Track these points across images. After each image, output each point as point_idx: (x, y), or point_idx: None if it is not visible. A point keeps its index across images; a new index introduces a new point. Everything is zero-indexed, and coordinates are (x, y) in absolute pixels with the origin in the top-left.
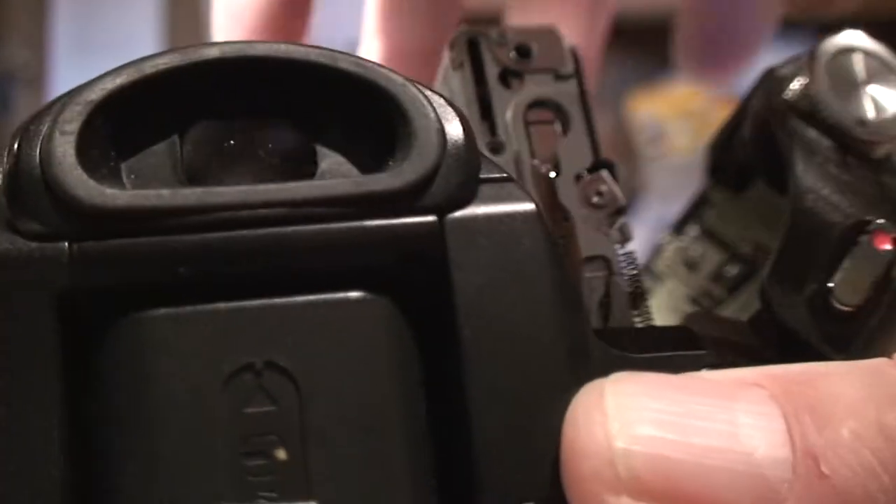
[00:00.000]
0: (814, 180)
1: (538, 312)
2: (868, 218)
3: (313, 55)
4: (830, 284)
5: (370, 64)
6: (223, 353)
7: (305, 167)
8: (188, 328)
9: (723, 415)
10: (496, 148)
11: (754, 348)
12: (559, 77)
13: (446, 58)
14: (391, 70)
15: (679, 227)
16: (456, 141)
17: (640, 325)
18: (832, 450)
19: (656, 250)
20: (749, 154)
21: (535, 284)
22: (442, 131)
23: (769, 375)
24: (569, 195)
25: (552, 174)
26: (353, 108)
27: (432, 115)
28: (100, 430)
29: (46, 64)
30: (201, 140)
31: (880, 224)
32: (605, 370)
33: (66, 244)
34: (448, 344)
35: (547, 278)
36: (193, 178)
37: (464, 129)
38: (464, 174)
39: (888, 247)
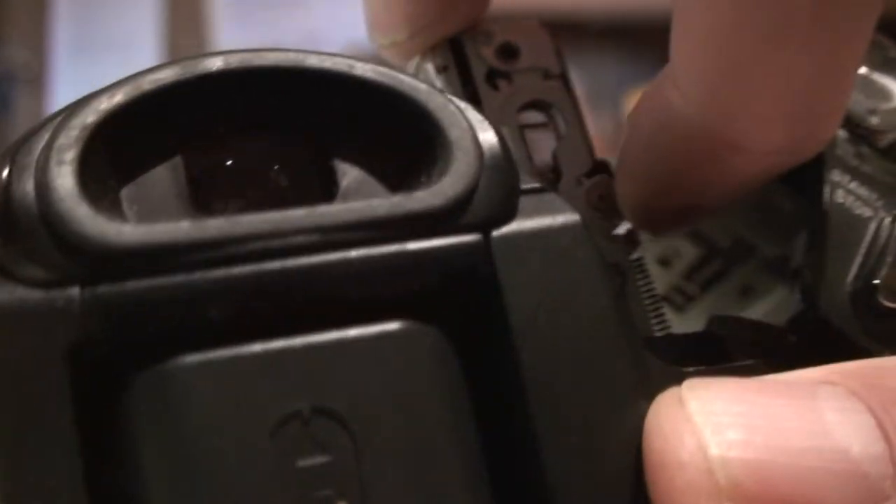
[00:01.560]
0: (839, 174)
1: (598, 329)
2: None
3: (328, 63)
4: (876, 282)
5: (391, 71)
6: (265, 401)
7: (325, 186)
8: (222, 376)
9: (809, 414)
10: None
11: (783, 349)
12: (548, 76)
13: (427, 63)
14: (414, 77)
15: None
16: (493, 152)
17: (660, 335)
18: None
19: None
20: None
21: (592, 300)
22: (477, 142)
23: (840, 372)
24: (573, 201)
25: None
26: (375, 120)
27: (465, 124)
28: (130, 500)
29: (46, 64)
30: (208, 161)
31: None
32: (664, 385)
33: (77, 290)
34: (504, 370)
35: (603, 292)
36: (202, 204)
37: (499, 139)
38: (505, 187)
39: None
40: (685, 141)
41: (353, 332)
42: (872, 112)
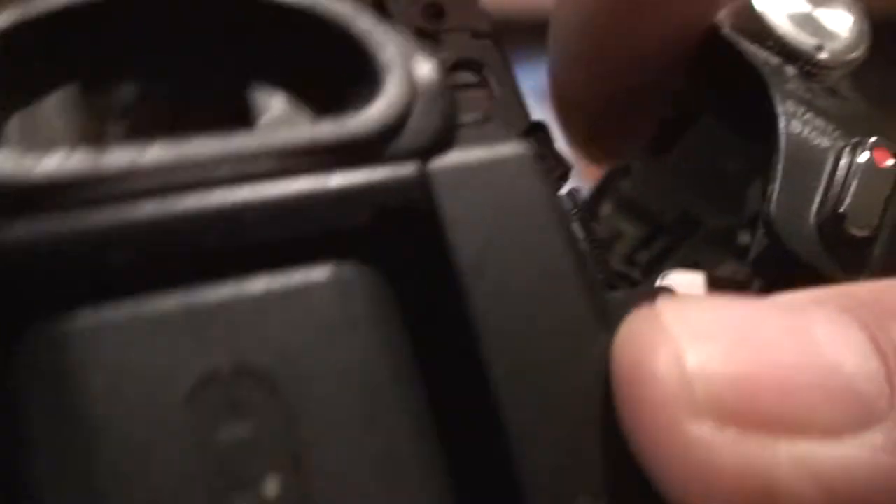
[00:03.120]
0: (793, 105)
1: (552, 265)
2: (860, 138)
3: None
4: (841, 210)
5: None
6: (177, 362)
7: (245, 117)
8: (125, 334)
9: (798, 328)
10: None
11: (751, 283)
12: (476, 35)
13: None
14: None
15: (589, 209)
16: (429, 77)
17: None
18: None
19: None
20: (687, 97)
21: (543, 234)
22: (411, 66)
23: (829, 293)
24: None
25: None
26: (297, 44)
27: (397, 47)
28: (23, 482)
29: None
30: (108, 90)
31: (876, 141)
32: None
33: None
34: (452, 315)
35: (555, 225)
36: (101, 136)
37: (435, 65)
38: (442, 114)
39: (891, 162)
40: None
41: (276, 278)
42: (819, 49)
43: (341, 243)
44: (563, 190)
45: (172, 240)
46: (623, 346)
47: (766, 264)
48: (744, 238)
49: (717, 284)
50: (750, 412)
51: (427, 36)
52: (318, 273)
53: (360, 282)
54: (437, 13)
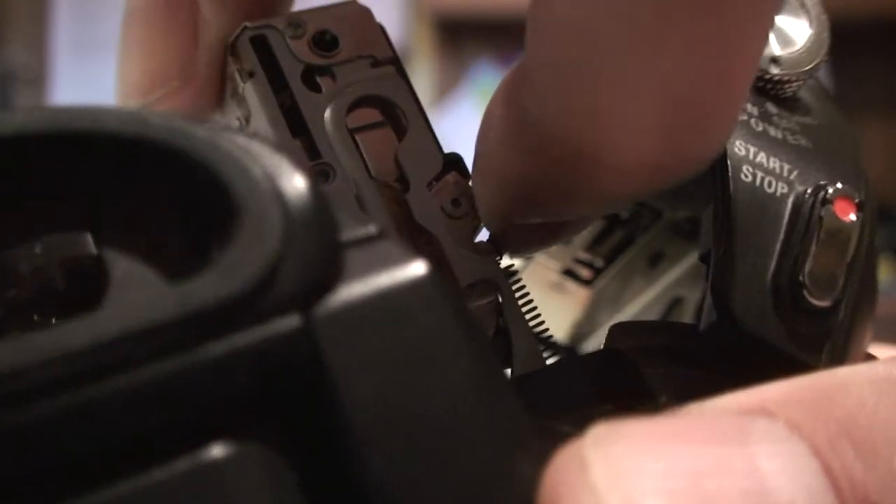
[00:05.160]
0: (742, 145)
1: (459, 405)
2: (822, 183)
3: (62, 119)
4: (801, 278)
5: (156, 117)
6: None
7: (90, 284)
8: None
9: (741, 464)
10: (325, 172)
11: (697, 354)
12: (376, 63)
13: (232, 70)
14: (187, 118)
15: None
16: (300, 202)
17: (552, 360)
18: (891, 489)
19: None
20: None
21: (449, 371)
22: (278, 194)
23: (777, 398)
24: (426, 211)
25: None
26: (141, 187)
27: (258, 173)
28: None
29: (46, 64)
30: None
31: (839, 190)
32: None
33: None
34: (353, 482)
35: (462, 358)
36: None
37: (307, 180)
38: (320, 246)
39: (853, 217)
40: (539, 149)
41: (154, 474)
42: (774, 61)
43: (225, 419)
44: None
45: (12, 460)
46: (547, 501)
47: (717, 336)
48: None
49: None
50: None
51: (320, 72)
52: (201, 459)
53: (250, 460)
54: (328, 44)
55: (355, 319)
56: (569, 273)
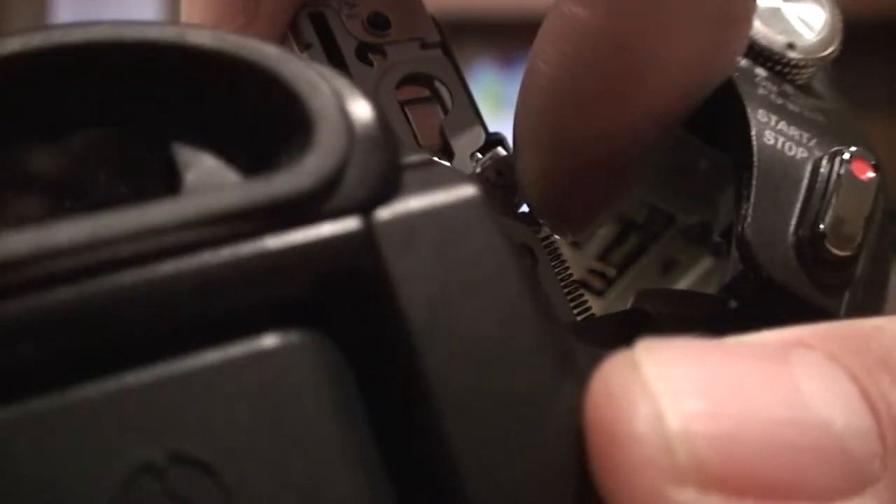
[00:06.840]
0: (765, 114)
1: (511, 317)
2: (838, 147)
3: (151, 33)
4: (821, 228)
5: (234, 37)
6: (105, 456)
7: (164, 183)
8: (44, 431)
9: (783, 381)
10: None
11: (723, 318)
12: (425, 46)
13: (290, 44)
14: (263, 41)
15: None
16: (366, 121)
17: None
18: None
19: None
20: None
21: (499, 284)
22: (345, 111)
23: (815, 334)
24: None
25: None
26: (218, 96)
27: (328, 91)
28: None
29: None
30: (8, 167)
31: (855, 152)
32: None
33: None
34: (407, 377)
35: (511, 274)
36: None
37: (372, 107)
38: (383, 161)
39: (871, 174)
40: (594, 62)
41: (212, 355)
42: (791, 46)
43: (286, 310)
44: (525, 206)
45: (89, 327)
46: (598, 401)
47: (742, 288)
48: (718, 237)
49: (686, 301)
50: (735, 477)
51: (373, 49)
52: (260, 345)
53: (307, 351)
54: (381, 24)
55: (412, 228)
56: (582, 284)
